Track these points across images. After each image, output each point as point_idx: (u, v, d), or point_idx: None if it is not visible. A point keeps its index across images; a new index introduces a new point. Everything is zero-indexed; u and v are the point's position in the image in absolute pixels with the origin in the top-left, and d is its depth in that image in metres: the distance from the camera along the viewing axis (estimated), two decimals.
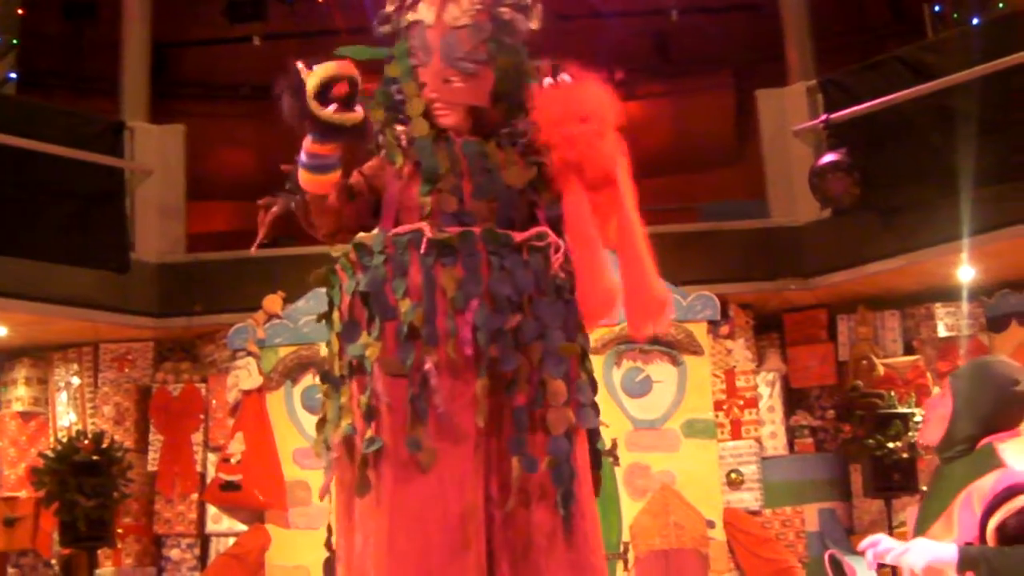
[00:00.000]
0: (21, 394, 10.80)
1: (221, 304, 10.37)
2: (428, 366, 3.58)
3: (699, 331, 9.72)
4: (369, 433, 3.59)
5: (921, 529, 4.35)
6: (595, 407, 3.82)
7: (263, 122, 13.38)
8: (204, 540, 10.31)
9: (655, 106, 15.44)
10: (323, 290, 9.62)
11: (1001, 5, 11.30)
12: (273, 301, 9.80)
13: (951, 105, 9.37)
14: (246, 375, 9.71)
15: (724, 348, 10.09)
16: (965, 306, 10.22)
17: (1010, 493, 4.08)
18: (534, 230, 3.77)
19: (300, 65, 3.55)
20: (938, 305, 10.31)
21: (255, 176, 13.84)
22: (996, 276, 9.93)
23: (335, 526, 3.84)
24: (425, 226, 3.70)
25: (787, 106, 10.85)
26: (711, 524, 9.34)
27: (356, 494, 3.64)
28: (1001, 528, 4.05)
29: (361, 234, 3.86)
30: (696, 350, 9.68)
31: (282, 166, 3.88)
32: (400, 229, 3.75)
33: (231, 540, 9.95)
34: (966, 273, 9.82)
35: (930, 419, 4.53)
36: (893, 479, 9.37)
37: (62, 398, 10.81)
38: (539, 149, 3.79)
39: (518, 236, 3.74)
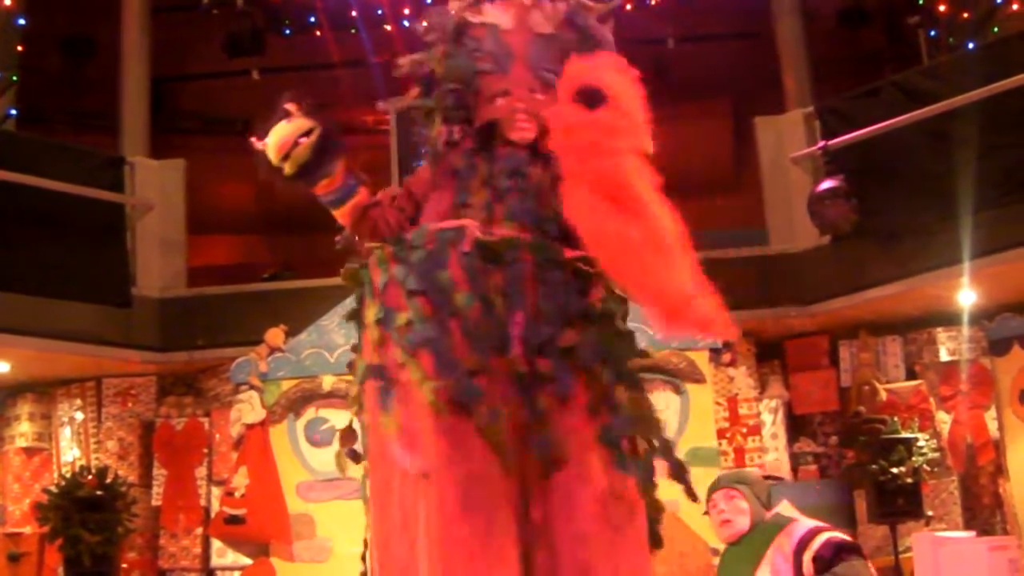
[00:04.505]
0: (25, 430, 10.81)
1: (223, 338, 10.40)
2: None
3: (701, 359, 9.72)
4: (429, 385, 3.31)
5: None
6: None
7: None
8: (209, 574, 10.29)
9: (653, 134, 15.48)
10: (325, 323, 9.61)
11: (995, 29, 11.35)
12: (275, 335, 9.81)
13: (948, 130, 9.40)
14: (249, 409, 9.70)
15: (726, 376, 10.08)
16: (966, 330, 10.23)
17: (813, 533, 5.49)
18: (582, 252, 3.39)
19: (254, 142, 3.70)
20: (939, 329, 10.32)
21: (255, 210, 13.91)
22: (997, 299, 9.93)
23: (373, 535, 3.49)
24: (471, 223, 3.49)
25: (785, 133, 10.89)
26: (716, 552, 9.32)
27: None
28: (816, 559, 5.36)
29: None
30: (698, 378, 9.68)
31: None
32: (444, 224, 3.54)
33: (236, 574, 9.94)
34: (967, 297, 9.83)
35: (732, 518, 5.77)
36: (897, 504, 9.36)
37: (66, 433, 10.82)
38: None
39: (569, 253, 3.46)
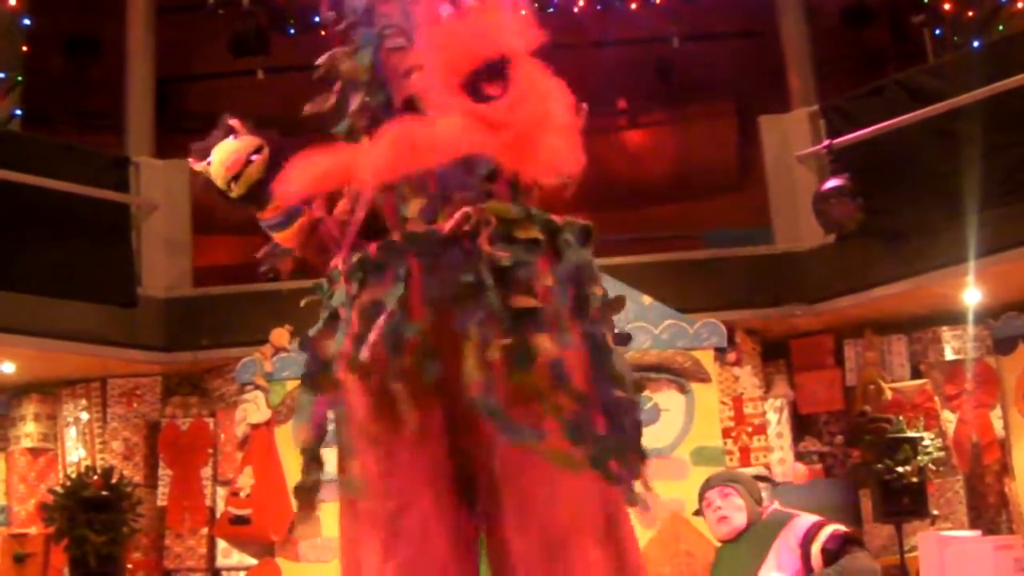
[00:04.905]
0: (30, 430, 10.79)
1: (228, 338, 10.39)
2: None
3: (706, 358, 9.72)
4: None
5: None
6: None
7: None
8: (215, 574, 10.29)
9: (658, 134, 15.50)
10: None
11: (1000, 28, 11.34)
12: (280, 334, 9.82)
13: (953, 128, 9.39)
14: (254, 409, 9.72)
15: (731, 375, 10.08)
16: (971, 329, 10.22)
17: (819, 527, 5.69)
18: (460, 212, 3.12)
19: (192, 163, 3.41)
20: (945, 328, 10.31)
21: None
22: (1002, 298, 9.93)
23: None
24: (339, 258, 3.28)
25: (789, 132, 10.87)
26: None
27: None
28: (824, 551, 5.55)
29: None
30: (703, 377, 9.69)
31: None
32: (333, 262, 3.34)
33: (241, 574, 9.95)
34: (972, 296, 9.82)
35: (729, 514, 5.92)
36: (903, 504, 9.35)
37: (71, 434, 10.81)
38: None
39: (442, 227, 3.13)
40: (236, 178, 3.35)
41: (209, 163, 3.36)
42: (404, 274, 3.12)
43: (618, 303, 3.44)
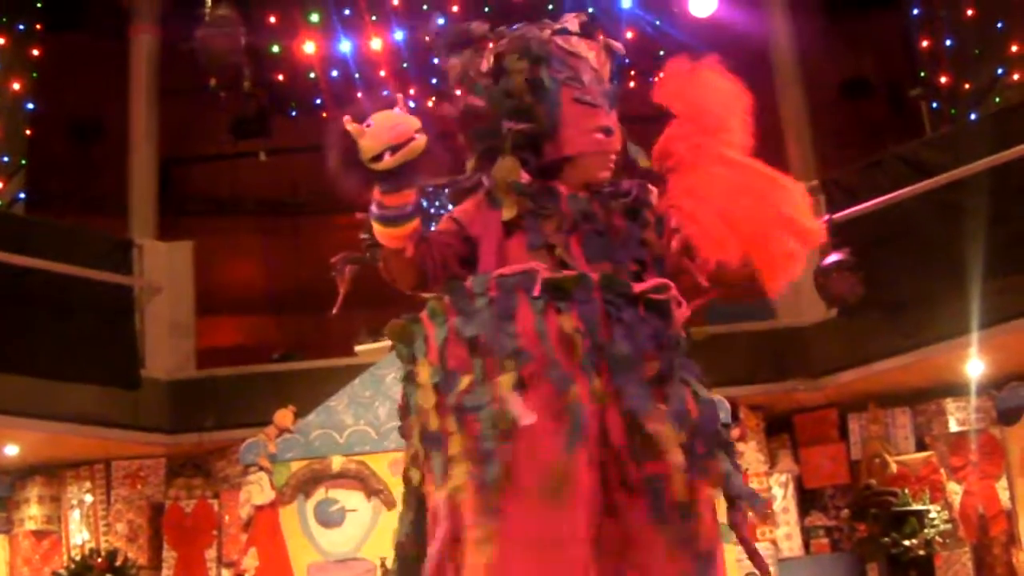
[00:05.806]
0: (34, 513, 10.77)
1: (232, 419, 10.39)
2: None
3: None
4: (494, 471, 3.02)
5: None
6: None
7: (270, 236, 13.47)
8: None
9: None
10: (334, 403, 9.50)
11: (997, 99, 11.40)
12: (284, 415, 9.78)
13: (953, 200, 9.43)
14: (258, 490, 9.66)
15: (736, 451, 10.06)
16: (975, 400, 10.20)
17: None
18: (654, 281, 3.27)
19: (347, 121, 3.09)
20: (948, 400, 10.30)
21: (264, 290, 13.94)
22: (1005, 369, 9.93)
23: None
24: (539, 266, 3.20)
25: None
26: None
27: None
28: None
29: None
30: None
31: (357, 214, 3.41)
32: (507, 270, 3.22)
33: None
34: (975, 367, 9.82)
35: None
36: None
37: (75, 516, 10.79)
38: (648, 202, 3.54)
39: (637, 286, 3.23)
40: (396, 148, 3.08)
41: (369, 125, 3.08)
42: (592, 313, 3.16)
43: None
